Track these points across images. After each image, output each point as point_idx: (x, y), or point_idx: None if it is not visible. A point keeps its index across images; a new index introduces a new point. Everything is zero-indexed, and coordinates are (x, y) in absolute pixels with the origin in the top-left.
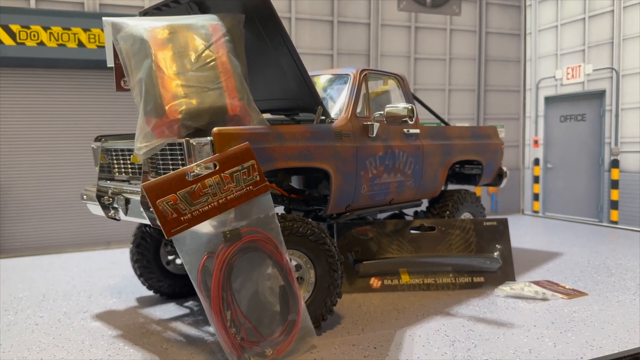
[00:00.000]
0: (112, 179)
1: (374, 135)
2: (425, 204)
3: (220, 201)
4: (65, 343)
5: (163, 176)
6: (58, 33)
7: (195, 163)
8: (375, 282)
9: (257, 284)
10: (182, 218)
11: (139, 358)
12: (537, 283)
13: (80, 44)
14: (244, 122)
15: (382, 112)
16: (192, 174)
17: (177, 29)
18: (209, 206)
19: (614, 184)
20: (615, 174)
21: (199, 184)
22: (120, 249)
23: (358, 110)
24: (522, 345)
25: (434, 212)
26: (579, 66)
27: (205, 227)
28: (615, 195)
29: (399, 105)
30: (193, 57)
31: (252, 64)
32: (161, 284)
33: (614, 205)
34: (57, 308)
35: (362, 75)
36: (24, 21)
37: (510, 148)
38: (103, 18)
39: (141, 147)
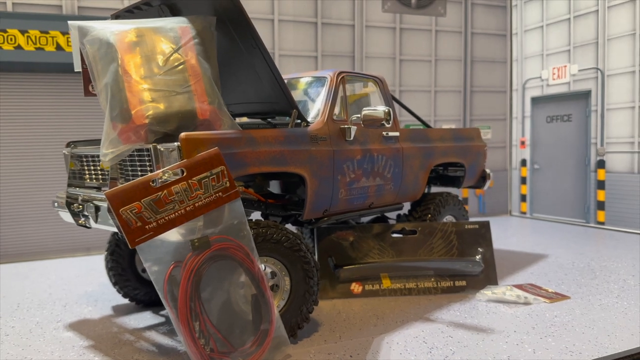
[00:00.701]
0: (82, 186)
1: (352, 138)
2: (407, 206)
3: (188, 209)
4: (34, 354)
5: (127, 183)
6: (36, 36)
7: (161, 170)
8: (356, 287)
9: (228, 293)
10: (146, 227)
11: None
12: (519, 287)
13: (59, 47)
14: (214, 126)
15: (359, 115)
16: (159, 180)
17: (144, 32)
18: (176, 214)
19: (600, 185)
20: (601, 174)
21: (165, 191)
22: (101, 255)
23: (336, 113)
24: (501, 351)
25: (416, 216)
26: (565, 66)
27: (173, 236)
28: (601, 195)
29: (376, 108)
30: (161, 60)
31: (226, 67)
32: (137, 291)
33: (601, 205)
34: (30, 318)
35: (340, 77)
36: (0, 24)
37: (497, 149)
38: (69, 22)
39: (107, 154)
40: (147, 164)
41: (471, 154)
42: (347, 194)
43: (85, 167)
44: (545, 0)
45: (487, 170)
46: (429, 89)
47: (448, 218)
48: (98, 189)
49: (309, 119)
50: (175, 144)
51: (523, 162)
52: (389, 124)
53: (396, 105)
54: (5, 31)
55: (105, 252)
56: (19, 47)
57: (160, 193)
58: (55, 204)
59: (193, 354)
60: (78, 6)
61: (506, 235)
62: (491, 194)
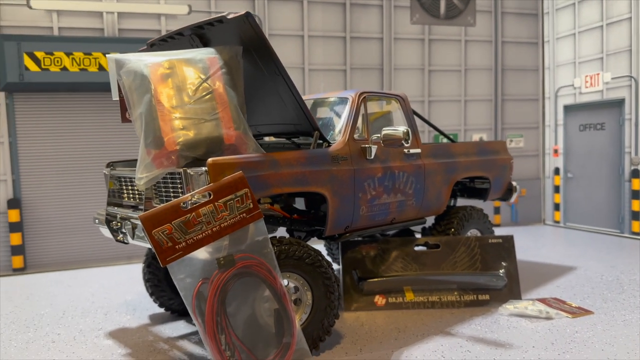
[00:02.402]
0: (121, 205)
1: (372, 157)
2: (431, 220)
3: (214, 229)
4: None
5: (159, 207)
6: (80, 58)
7: (189, 194)
8: (379, 299)
9: (252, 308)
10: (176, 246)
11: None
12: (542, 301)
13: (101, 67)
14: (240, 150)
15: (379, 135)
16: (189, 202)
17: (176, 63)
18: (203, 234)
19: (635, 194)
20: (636, 184)
21: (193, 213)
22: (141, 264)
23: (357, 132)
24: None
25: (439, 229)
26: (598, 74)
27: (200, 254)
28: (636, 205)
29: (396, 128)
30: (191, 90)
31: (253, 92)
32: (172, 302)
33: (635, 216)
34: (75, 325)
35: (361, 98)
36: (48, 48)
37: (530, 157)
38: (107, 55)
39: (142, 178)
40: (179, 186)
41: (496, 167)
42: (368, 211)
43: (124, 187)
44: (578, 7)
45: (514, 183)
46: (459, 99)
47: (472, 232)
48: (135, 207)
49: (331, 139)
50: (204, 168)
51: (556, 171)
52: (408, 143)
53: (421, 121)
54: (52, 54)
55: (143, 264)
56: (64, 68)
57: (189, 215)
58: (96, 220)
59: None
60: (119, 28)
61: (537, 245)
62: (524, 203)
